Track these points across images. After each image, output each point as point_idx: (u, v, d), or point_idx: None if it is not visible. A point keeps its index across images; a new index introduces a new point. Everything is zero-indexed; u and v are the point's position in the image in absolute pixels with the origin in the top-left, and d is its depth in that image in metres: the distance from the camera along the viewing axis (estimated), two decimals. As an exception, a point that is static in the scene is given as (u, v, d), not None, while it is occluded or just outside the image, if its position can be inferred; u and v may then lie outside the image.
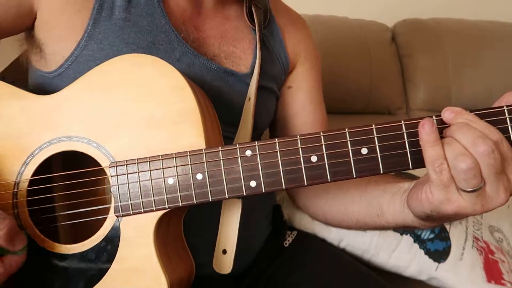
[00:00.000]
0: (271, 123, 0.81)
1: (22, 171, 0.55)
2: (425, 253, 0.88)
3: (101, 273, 0.53)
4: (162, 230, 0.54)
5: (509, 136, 0.46)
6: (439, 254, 0.89)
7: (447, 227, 0.92)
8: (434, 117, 0.47)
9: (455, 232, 0.92)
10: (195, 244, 0.61)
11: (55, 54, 0.63)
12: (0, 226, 0.48)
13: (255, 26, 0.72)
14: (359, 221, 0.66)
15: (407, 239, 0.89)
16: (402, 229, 0.89)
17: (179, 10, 0.68)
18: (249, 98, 0.68)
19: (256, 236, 0.76)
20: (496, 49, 1.34)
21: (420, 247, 0.89)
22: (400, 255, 0.89)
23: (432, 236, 0.90)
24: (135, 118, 0.53)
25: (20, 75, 0.70)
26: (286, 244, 0.81)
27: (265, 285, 0.73)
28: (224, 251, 0.60)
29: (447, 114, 0.47)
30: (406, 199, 0.55)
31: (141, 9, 0.65)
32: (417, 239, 0.89)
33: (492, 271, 0.89)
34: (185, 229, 0.60)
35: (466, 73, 1.31)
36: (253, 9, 0.73)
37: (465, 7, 1.52)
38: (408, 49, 1.33)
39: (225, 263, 0.60)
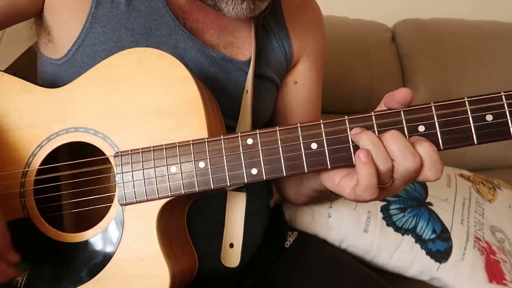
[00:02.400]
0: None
1: (30, 161, 0.57)
2: (427, 254, 0.88)
3: (105, 261, 0.53)
4: (165, 219, 0.55)
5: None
6: (441, 254, 0.88)
7: (449, 227, 0.92)
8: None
9: (457, 232, 0.91)
10: (196, 235, 0.61)
11: (62, 37, 0.64)
12: None
13: None
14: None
15: (408, 239, 0.89)
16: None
17: (179, 4, 0.67)
18: (247, 91, 0.67)
19: (250, 234, 0.74)
20: (496, 49, 1.34)
21: (421, 248, 0.89)
22: (402, 255, 0.89)
23: (433, 236, 0.90)
24: (140, 110, 0.55)
25: (28, 70, 0.71)
26: (287, 245, 0.81)
27: (266, 286, 0.74)
28: (231, 245, 0.61)
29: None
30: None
31: None
32: (419, 239, 0.89)
33: (493, 271, 0.89)
34: (186, 220, 0.61)
35: (466, 73, 1.31)
36: None
37: (465, 7, 1.52)
38: (408, 49, 1.32)
39: (232, 256, 0.62)
